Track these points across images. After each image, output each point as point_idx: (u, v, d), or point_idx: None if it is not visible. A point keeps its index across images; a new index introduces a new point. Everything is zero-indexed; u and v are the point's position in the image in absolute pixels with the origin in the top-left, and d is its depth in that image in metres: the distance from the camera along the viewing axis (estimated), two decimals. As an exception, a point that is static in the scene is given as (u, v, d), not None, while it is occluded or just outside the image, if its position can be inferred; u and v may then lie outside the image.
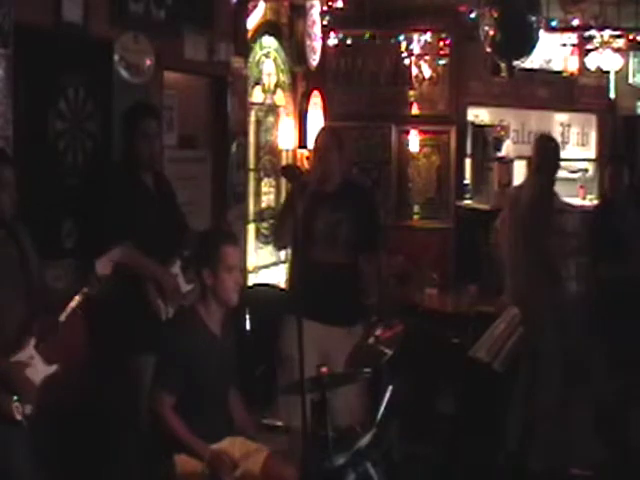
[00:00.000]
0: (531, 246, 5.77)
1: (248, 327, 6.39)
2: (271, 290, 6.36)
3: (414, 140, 8.50)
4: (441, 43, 8.25)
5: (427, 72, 8.39)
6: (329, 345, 4.74)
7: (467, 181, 8.53)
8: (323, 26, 7.86)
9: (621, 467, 5.50)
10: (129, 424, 4.54)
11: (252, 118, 7.27)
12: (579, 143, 10.03)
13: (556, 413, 5.74)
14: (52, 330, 3.66)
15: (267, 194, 7.61)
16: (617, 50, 8.66)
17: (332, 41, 8.15)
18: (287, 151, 7.87)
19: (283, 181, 7.47)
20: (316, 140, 5.07)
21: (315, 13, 7.71)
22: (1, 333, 3.55)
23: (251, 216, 7.26)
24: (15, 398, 3.51)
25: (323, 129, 5.36)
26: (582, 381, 5.86)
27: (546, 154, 5.95)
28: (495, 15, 5.90)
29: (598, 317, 5.70)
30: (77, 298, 3.68)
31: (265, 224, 7.45)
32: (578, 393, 5.88)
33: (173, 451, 3.68)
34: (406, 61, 8.36)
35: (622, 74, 9.74)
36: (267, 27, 7.30)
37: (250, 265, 7.13)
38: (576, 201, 8.75)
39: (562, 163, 6.30)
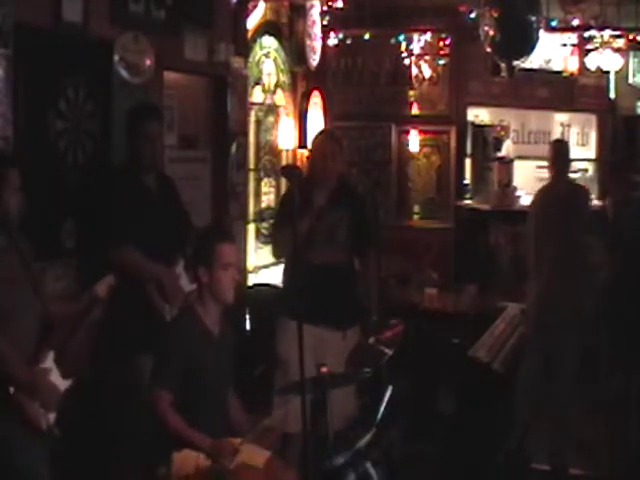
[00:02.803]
0: (562, 244, 5.77)
1: (248, 327, 6.40)
2: (271, 290, 6.35)
3: (414, 140, 8.51)
4: (441, 43, 8.27)
5: (427, 72, 8.40)
6: (325, 348, 4.72)
7: (467, 181, 8.53)
8: (323, 26, 7.87)
9: (624, 467, 5.50)
10: (129, 424, 4.54)
11: (252, 118, 7.27)
12: (579, 143, 10.01)
13: (566, 413, 5.74)
14: (67, 342, 3.67)
15: (267, 194, 7.61)
16: (617, 50, 8.65)
17: (332, 41, 8.16)
18: (287, 151, 7.88)
19: (283, 181, 7.47)
20: (314, 144, 5.04)
21: (315, 13, 7.71)
22: (20, 345, 3.51)
23: (251, 216, 7.27)
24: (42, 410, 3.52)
25: (321, 132, 5.32)
26: (588, 381, 5.85)
27: (566, 155, 6.09)
28: (495, 15, 5.90)
29: (614, 315, 5.67)
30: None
31: (265, 224, 7.45)
32: (582, 393, 5.87)
33: (172, 451, 3.67)
34: (406, 61, 8.38)
35: (622, 74, 9.72)
36: (267, 27, 7.31)
37: (250, 265, 7.13)
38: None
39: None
